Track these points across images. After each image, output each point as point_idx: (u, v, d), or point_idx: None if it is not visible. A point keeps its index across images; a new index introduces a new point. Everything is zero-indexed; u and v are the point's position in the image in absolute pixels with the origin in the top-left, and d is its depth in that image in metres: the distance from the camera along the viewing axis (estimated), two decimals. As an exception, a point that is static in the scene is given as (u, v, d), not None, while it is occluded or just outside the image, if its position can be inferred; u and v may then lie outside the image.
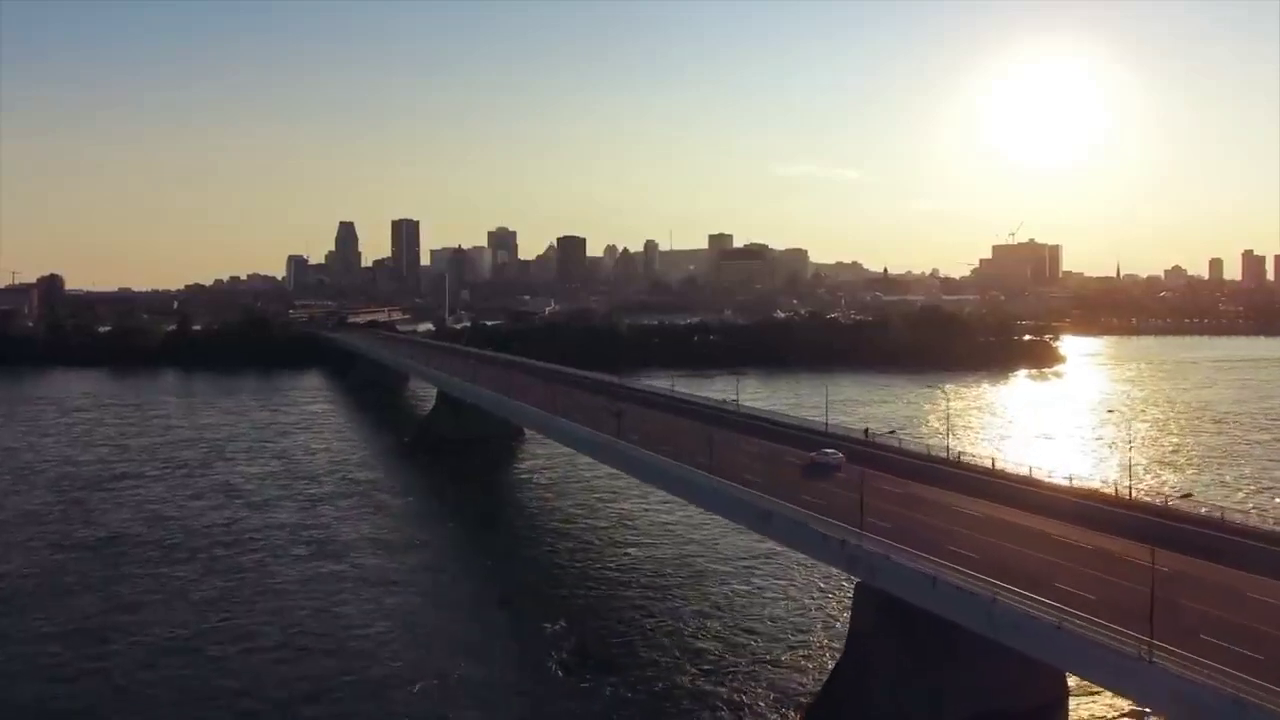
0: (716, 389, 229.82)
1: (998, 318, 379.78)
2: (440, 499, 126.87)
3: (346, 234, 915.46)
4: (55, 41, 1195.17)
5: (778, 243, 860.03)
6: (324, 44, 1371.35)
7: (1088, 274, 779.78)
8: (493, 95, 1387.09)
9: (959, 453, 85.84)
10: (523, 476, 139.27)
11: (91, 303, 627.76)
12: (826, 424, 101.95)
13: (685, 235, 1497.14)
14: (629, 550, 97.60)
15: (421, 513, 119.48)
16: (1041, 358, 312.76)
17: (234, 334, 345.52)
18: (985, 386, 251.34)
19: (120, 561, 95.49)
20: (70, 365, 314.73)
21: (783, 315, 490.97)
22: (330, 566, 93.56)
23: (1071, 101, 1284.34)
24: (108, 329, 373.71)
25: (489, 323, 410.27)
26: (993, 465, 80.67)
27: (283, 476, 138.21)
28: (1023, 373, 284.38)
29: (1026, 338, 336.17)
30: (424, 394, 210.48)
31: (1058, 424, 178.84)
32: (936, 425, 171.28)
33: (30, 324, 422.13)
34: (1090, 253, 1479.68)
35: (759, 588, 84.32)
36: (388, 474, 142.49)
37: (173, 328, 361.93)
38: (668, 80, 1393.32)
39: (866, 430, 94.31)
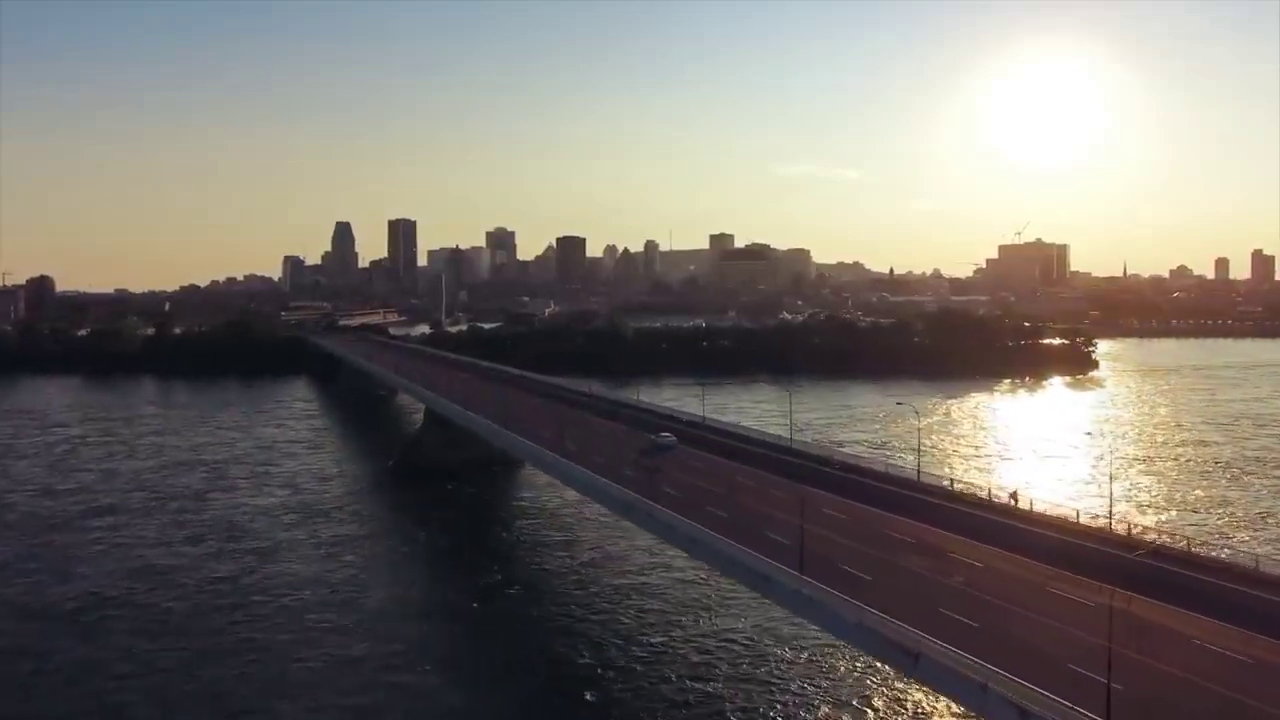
0: (748, 402, 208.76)
1: (1017, 319, 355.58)
2: (455, 543, 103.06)
3: (343, 234, 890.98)
4: (55, 41, 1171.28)
5: (778, 243, 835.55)
6: (322, 44, 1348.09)
7: (1094, 274, 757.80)
8: (492, 95, 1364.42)
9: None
10: (546, 516, 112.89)
11: (82, 304, 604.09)
12: (916, 470, 77.21)
13: (685, 235, 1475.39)
14: (708, 618, 75.89)
15: (439, 564, 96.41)
16: (1072, 363, 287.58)
17: (217, 339, 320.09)
18: (1034, 396, 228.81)
19: (99, 635, 75.65)
20: (46, 371, 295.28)
21: (789, 317, 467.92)
22: (357, 644, 72.78)
23: (1071, 101, 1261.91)
24: (84, 333, 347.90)
25: (486, 325, 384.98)
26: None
27: (285, 512, 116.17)
28: (1057, 380, 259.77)
29: (1056, 341, 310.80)
30: (416, 404, 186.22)
31: (1159, 448, 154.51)
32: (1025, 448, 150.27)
33: (9, 328, 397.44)
34: (1092, 253, 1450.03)
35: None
36: (387, 511, 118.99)
37: (151, 331, 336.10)
38: (667, 80, 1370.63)
39: (1014, 494, 69.25)
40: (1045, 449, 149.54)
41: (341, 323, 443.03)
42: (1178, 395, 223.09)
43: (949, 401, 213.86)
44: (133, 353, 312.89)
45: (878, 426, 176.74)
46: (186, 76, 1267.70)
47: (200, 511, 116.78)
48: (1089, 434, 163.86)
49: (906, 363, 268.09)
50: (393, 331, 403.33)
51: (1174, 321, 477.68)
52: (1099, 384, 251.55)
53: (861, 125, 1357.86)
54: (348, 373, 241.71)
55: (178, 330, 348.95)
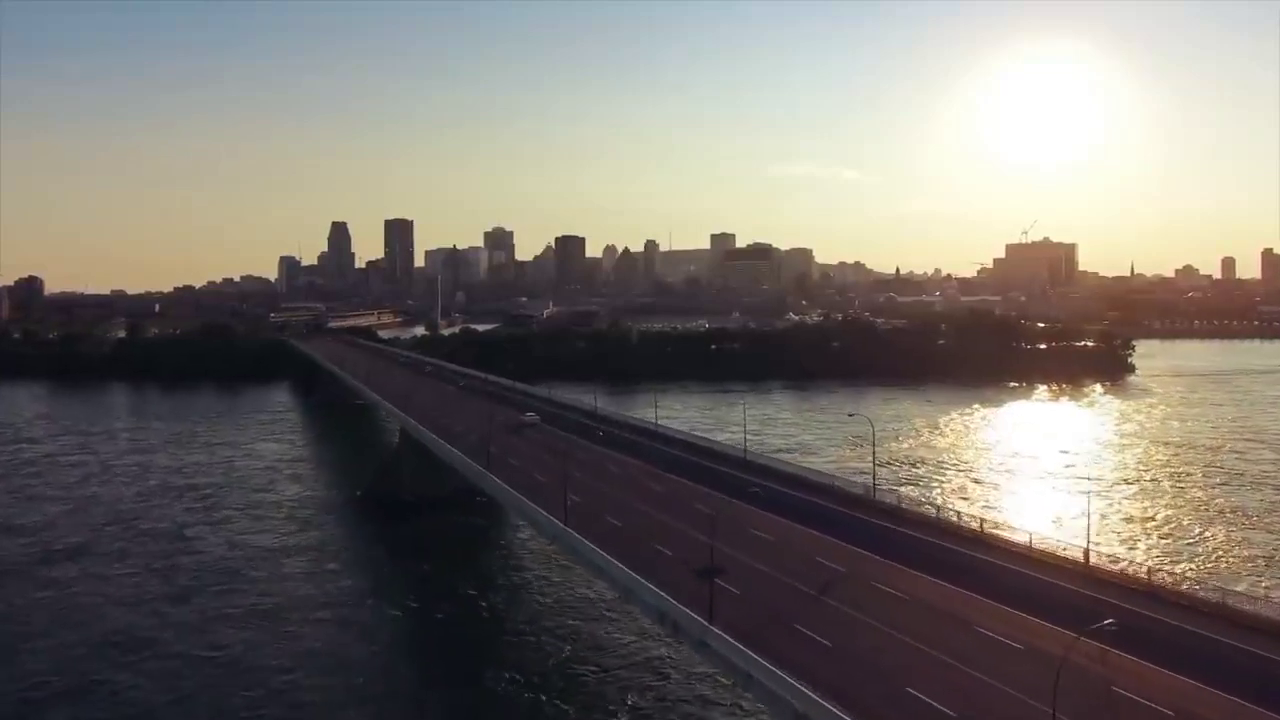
0: (788, 412, 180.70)
1: (1032, 320, 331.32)
2: (468, 602, 77.47)
3: (339, 234, 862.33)
4: (54, 42, 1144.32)
5: (778, 242, 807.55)
6: (320, 44, 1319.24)
7: (1101, 274, 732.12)
8: (489, 94, 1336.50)
9: None
10: (564, 567, 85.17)
11: (68, 305, 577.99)
12: (1085, 548, 51.01)
13: (684, 236, 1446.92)
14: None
15: (461, 634, 71.14)
16: (1107, 368, 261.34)
17: (194, 342, 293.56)
18: (1090, 407, 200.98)
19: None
20: (15, 377, 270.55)
21: (795, 318, 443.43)
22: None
23: (1071, 101, 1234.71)
24: (54, 336, 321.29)
25: (481, 327, 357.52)
26: None
27: (280, 555, 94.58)
28: (1097, 386, 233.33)
29: (1089, 343, 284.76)
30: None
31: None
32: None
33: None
34: (1093, 252, 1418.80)
35: None
36: (387, 557, 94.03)
37: (123, 334, 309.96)
38: (666, 80, 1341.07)
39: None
40: (1173, 480, 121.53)
41: (332, 324, 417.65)
42: (1257, 406, 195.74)
43: (997, 411, 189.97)
44: (104, 356, 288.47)
45: (949, 439, 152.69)
46: (184, 77, 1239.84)
47: (180, 554, 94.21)
48: (1203, 453, 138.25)
49: (931, 367, 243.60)
50: (387, 334, 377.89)
51: (1196, 322, 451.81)
52: (1147, 391, 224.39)
53: (861, 125, 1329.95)
54: (326, 380, 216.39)
55: (155, 331, 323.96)
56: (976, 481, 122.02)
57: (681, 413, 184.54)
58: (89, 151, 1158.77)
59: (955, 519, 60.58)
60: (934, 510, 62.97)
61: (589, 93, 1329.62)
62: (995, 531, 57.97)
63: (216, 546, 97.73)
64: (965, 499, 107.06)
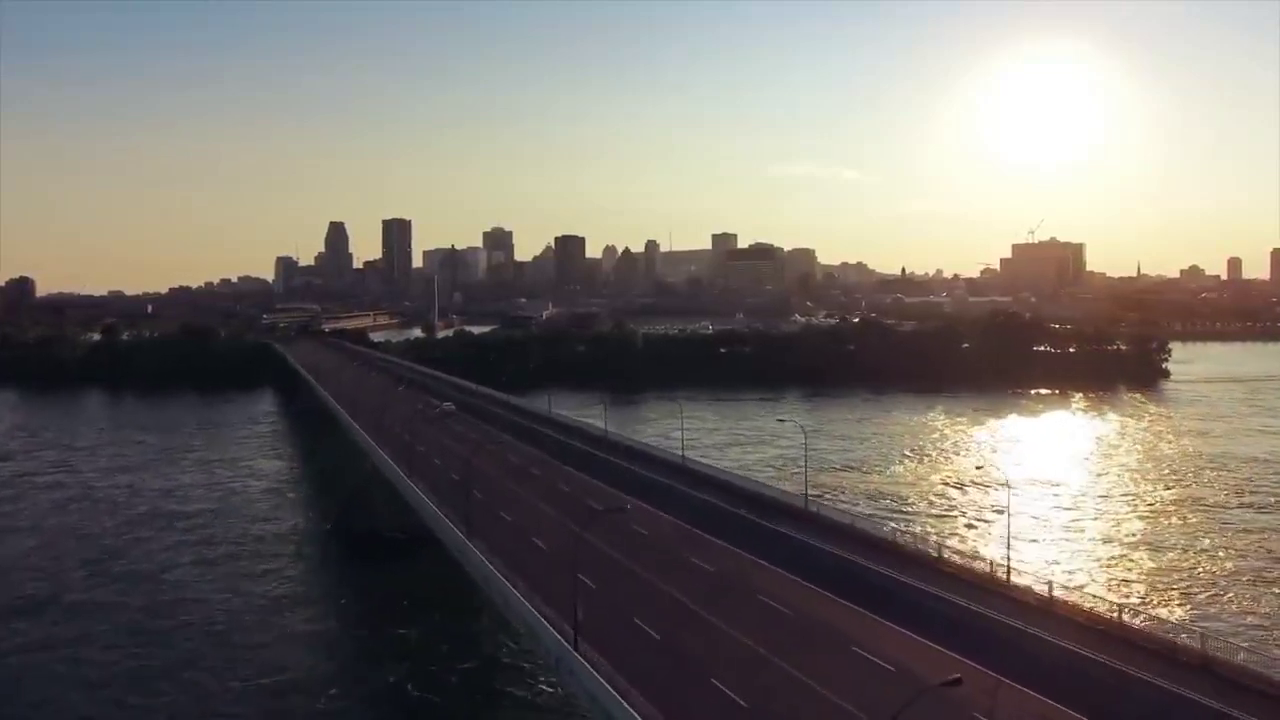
0: (837, 420, 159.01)
1: (1046, 322, 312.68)
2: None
3: (337, 235, 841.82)
4: (55, 41, 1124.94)
5: (779, 243, 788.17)
6: (318, 44, 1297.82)
7: (1108, 274, 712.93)
8: (489, 94, 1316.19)
9: None
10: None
11: (60, 306, 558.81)
12: None
13: (684, 236, 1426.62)
14: None
15: None
16: (1141, 374, 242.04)
17: (170, 346, 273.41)
18: (1164, 422, 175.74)
19: None
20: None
21: (800, 319, 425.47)
22: None
23: (1071, 101, 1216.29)
24: (30, 339, 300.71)
25: (479, 329, 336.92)
26: None
27: (276, 608, 76.60)
28: (1137, 395, 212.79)
29: (1120, 346, 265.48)
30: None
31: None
32: None
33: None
34: (1095, 252, 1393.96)
35: None
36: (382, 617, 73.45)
37: (97, 338, 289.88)
38: (665, 80, 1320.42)
39: None
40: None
41: (326, 326, 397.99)
42: None
43: (1044, 422, 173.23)
44: (80, 360, 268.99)
45: (1011, 455, 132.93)
46: (184, 77, 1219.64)
47: (165, 610, 75.54)
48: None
49: (952, 372, 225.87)
50: (381, 336, 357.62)
51: (1218, 324, 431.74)
52: (1202, 399, 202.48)
53: (861, 125, 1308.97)
54: (306, 387, 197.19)
55: (131, 333, 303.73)
56: (1077, 509, 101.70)
57: (713, 424, 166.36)
58: (88, 151, 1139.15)
59: (1141, 624, 40.57)
60: (1112, 608, 42.60)
61: (589, 93, 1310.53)
62: (1204, 648, 38.03)
63: (206, 596, 79.11)
64: (1072, 533, 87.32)
